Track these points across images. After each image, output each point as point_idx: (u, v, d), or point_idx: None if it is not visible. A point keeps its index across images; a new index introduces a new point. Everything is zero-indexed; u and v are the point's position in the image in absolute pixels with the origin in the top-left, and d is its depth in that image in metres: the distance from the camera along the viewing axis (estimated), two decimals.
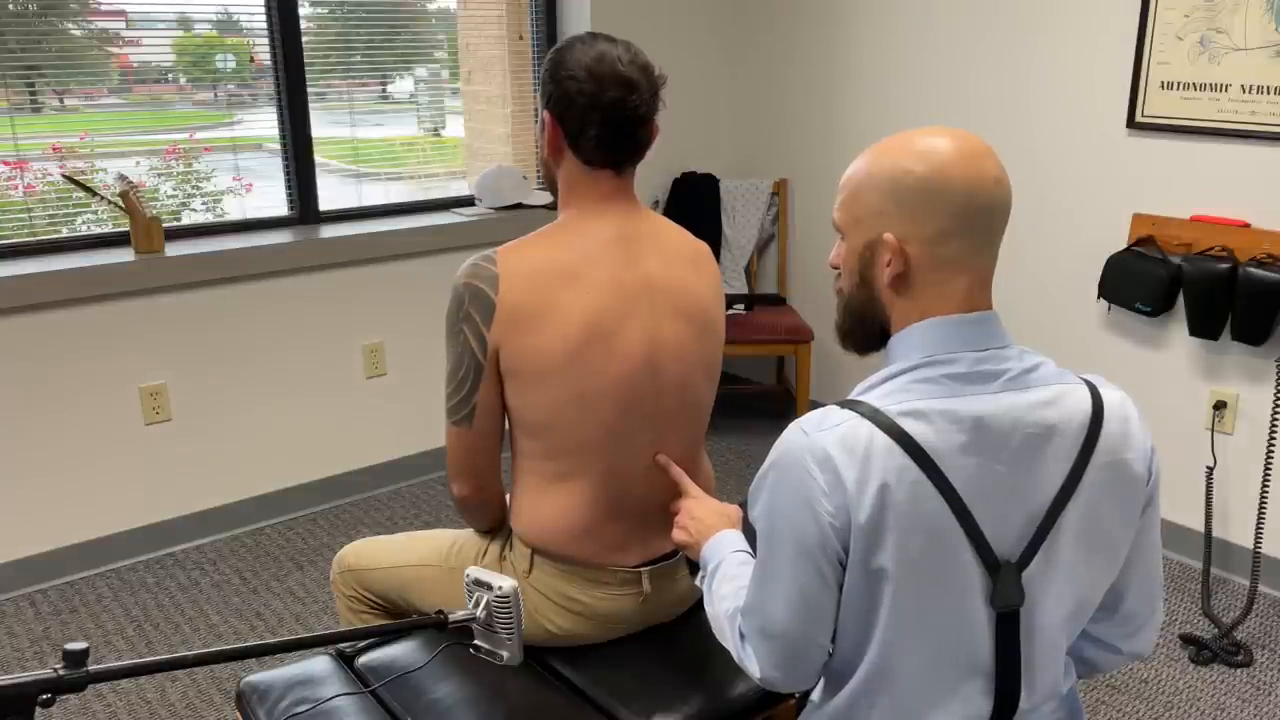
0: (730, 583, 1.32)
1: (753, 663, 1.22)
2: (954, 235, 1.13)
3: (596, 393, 1.55)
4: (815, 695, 1.28)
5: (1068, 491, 1.13)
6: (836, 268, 1.25)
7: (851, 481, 1.08)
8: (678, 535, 1.52)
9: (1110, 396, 1.18)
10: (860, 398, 1.15)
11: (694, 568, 1.74)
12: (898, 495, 1.08)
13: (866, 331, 1.22)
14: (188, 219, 3.22)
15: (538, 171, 3.72)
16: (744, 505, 1.45)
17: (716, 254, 4.02)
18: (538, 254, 1.55)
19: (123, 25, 2.95)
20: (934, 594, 1.11)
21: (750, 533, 1.40)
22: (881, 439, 1.08)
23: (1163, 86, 2.85)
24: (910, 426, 1.09)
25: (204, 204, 3.27)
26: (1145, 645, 1.30)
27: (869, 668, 1.16)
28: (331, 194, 3.39)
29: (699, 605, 1.82)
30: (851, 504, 1.08)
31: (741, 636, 1.25)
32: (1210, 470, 2.81)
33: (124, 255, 2.89)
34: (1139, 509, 1.20)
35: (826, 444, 1.09)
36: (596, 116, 1.52)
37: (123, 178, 2.91)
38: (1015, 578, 1.12)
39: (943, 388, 1.12)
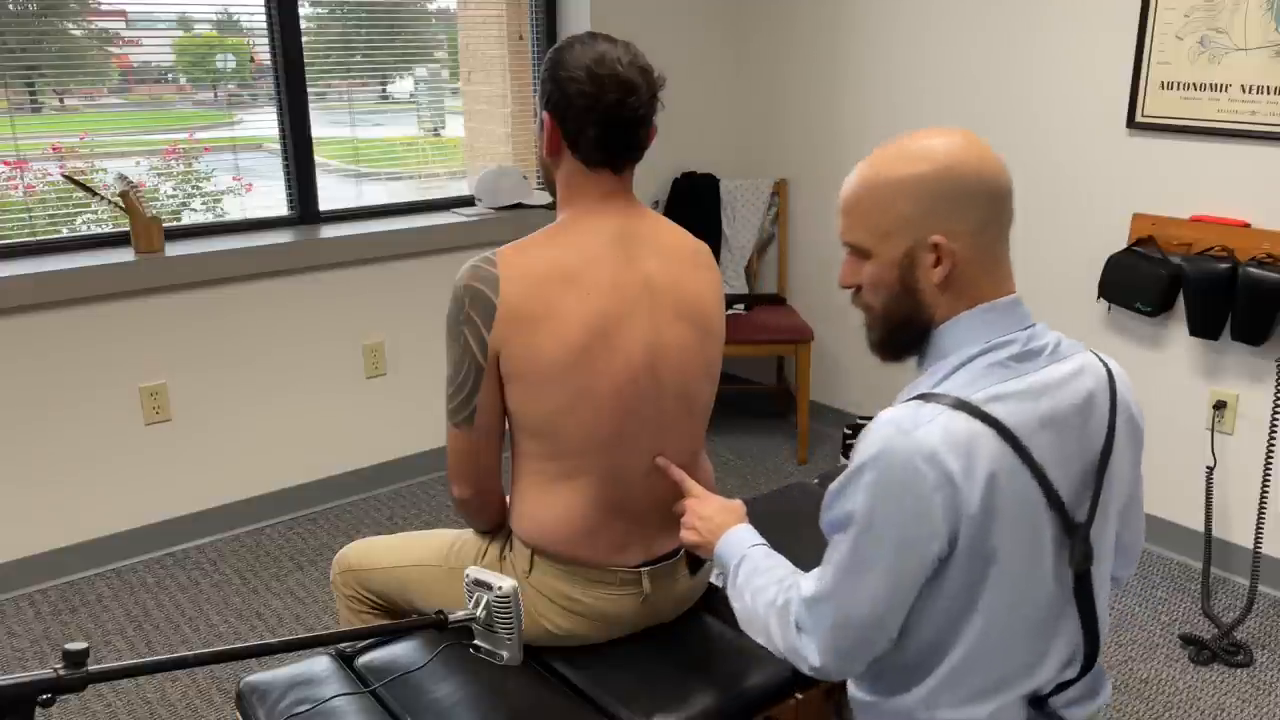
0: (764, 575, 1.34)
1: (810, 651, 1.24)
2: (990, 222, 1.19)
3: (597, 393, 1.55)
4: (872, 692, 1.31)
5: (1107, 451, 1.22)
6: (851, 286, 1.26)
7: (960, 474, 1.12)
8: (687, 536, 1.52)
9: (1110, 360, 1.29)
10: (937, 390, 1.18)
11: (694, 567, 1.74)
12: (1001, 481, 1.13)
13: (911, 338, 1.25)
14: (188, 219, 3.22)
15: (538, 172, 3.73)
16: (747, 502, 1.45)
17: (716, 254, 4.02)
18: (538, 255, 1.55)
19: (123, 25, 2.95)
20: (1030, 566, 1.18)
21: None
22: (978, 428, 1.13)
23: (1163, 86, 2.85)
24: (998, 411, 1.14)
25: (204, 204, 3.27)
26: (1132, 568, 1.44)
27: (965, 649, 1.21)
28: (331, 194, 3.39)
29: (699, 605, 1.82)
30: (962, 497, 1.13)
31: (798, 627, 1.26)
32: (1210, 470, 2.81)
33: (124, 255, 2.89)
34: (1141, 454, 1.33)
35: (931, 440, 1.12)
36: (595, 118, 1.52)
37: (123, 178, 2.91)
38: (1085, 536, 1.21)
39: (1009, 370, 1.18)
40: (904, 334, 1.24)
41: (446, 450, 1.66)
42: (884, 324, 1.25)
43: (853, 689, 1.35)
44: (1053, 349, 1.22)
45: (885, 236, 1.20)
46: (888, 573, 1.17)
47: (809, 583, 1.25)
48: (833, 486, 1.21)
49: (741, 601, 1.35)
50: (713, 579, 1.44)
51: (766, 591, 1.31)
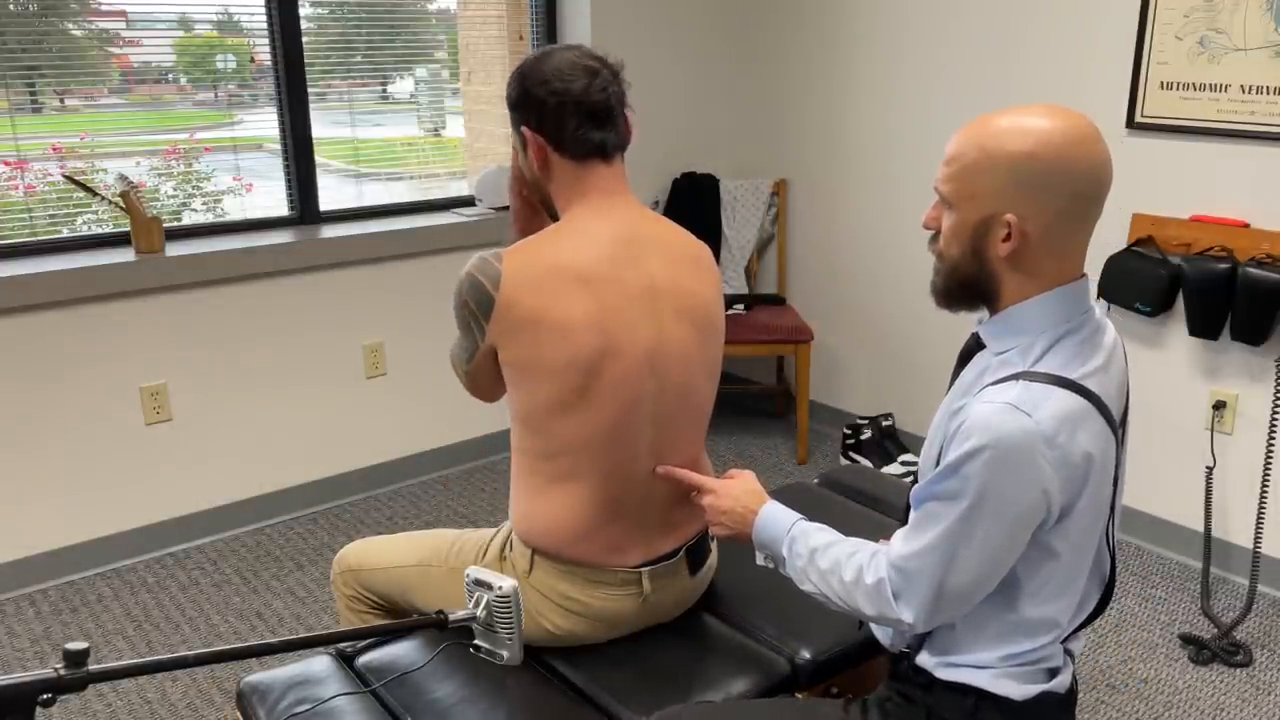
0: (826, 556, 1.38)
1: (907, 613, 1.29)
2: (1070, 216, 1.22)
3: (598, 394, 1.55)
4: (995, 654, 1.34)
5: (1126, 407, 1.32)
6: (930, 229, 1.31)
7: (1071, 452, 1.20)
8: (717, 532, 1.56)
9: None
10: (1036, 369, 1.23)
11: (693, 567, 1.74)
12: (1095, 454, 1.22)
13: (970, 295, 1.31)
14: (188, 219, 3.22)
15: None
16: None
17: (716, 254, 4.02)
18: (543, 254, 1.56)
19: (123, 25, 2.95)
20: (1097, 518, 1.27)
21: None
22: (1084, 405, 1.21)
23: (1162, 87, 2.85)
24: (1096, 387, 1.22)
25: (204, 204, 3.27)
26: None
27: (1079, 597, 1.32)
28: (332, 194, 3.39)
29: (699, 605, 1.82)
30: (1071, 472, 1.21)
31: (895, 596, 1.30)
32: (1210, 470, 2.81)
33: (124, 255, 2.89)
34: None
35: (1052, 422, 1.18)
36: (571, 109, 1.56)
37: (123, 178, 2.91)
38: (1115, 480, 1.30)
39: (1089, 346, 1.25)
40: (965, 291, 1.30)
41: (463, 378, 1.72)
42: (949, 275, 1.30)
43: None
44: (1102, 320, 1.31)
45: (970, 198, 1.24)
46: (1000, 544, 1.22)
47: (902, 553, 1.29)
48: (948, 461, 1.22)
49: (810, 584, 1.40)
50: (759, 562, 1.48)
51: (839, 572, 1.35)
